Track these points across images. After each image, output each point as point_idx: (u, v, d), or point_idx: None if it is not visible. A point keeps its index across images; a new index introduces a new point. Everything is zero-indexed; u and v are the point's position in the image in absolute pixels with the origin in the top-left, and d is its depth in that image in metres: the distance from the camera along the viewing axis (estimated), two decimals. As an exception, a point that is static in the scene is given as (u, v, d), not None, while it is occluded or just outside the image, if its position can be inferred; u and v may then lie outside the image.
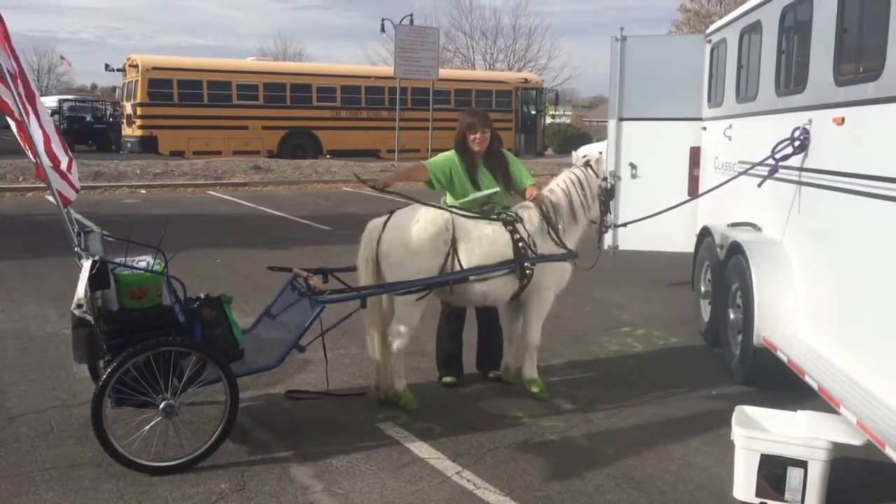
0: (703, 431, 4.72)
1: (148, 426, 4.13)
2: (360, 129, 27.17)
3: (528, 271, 5.00)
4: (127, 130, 25.19)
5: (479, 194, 5.18)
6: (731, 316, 5.77)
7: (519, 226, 5.05)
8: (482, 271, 4.90)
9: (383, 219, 4.95)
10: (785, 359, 4.76)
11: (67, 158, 4.33)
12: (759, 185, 5.37)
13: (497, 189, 5.23)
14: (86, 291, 3.80)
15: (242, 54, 36.87)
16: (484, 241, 4.93)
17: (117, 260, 4.15)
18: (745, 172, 5.84)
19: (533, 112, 30.98)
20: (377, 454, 4.35)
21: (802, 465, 3.73)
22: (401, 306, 4.93)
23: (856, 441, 3.74)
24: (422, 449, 4.42)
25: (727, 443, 4.06)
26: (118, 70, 26.18)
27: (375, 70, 31.52)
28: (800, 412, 4.10)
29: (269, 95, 25.62)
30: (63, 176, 4.28)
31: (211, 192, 18.28)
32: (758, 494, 3.81)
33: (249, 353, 4.46)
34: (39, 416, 4.83)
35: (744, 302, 5.46)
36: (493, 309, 5.54)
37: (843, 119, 4.40)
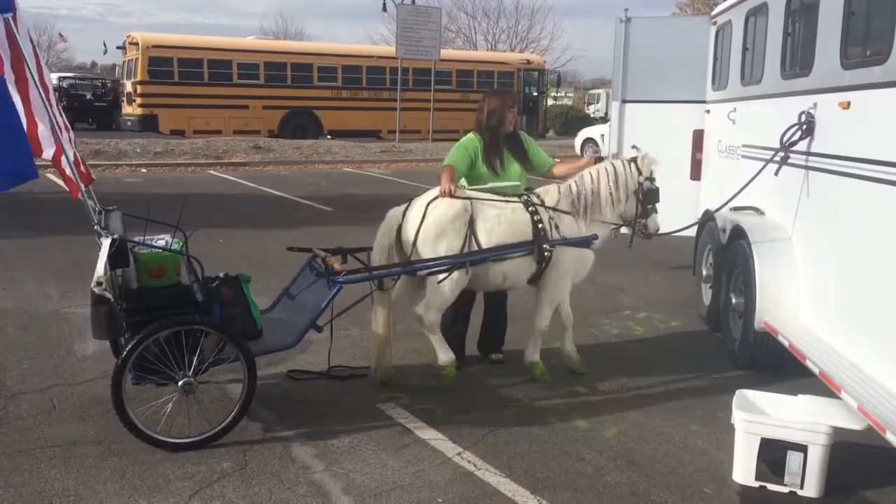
0: (703, 415, 4.73)
1: (168, 404, 4.18)
2: (361, 109, 27.03)
3: (546, 254, 4.99)
4: (127, 109, 25.08)
5: (498, 185, 5.17)
6: (733, 300, 5.77)
7: (540, 208, 5.04)
8: (500, 252, 4.89)
9: (402, 207, 4.97)
10: (786, 343, 4.77)
11: (54, 147, 4.21)
12: (776, 174, 5.26)
13: (518, 183, 5.25)
14: (105, 269, 3.85)
15: (243, 33, 36.71)
16: (503, 222, 4.93)
17: (136, 239, 4.18)
18: (771, 161, 5.48)
19: (535, 93, 30.83)
20: (378, 435, 4.37)
21: (802, 449, 3.75)
22: (431, 288, 4.92)
23: (856, 426, 3.75)
24: (423, 430, 4.44)
25: (727, 426, 4.07)
26: (118, 48, 26.04)
27: (377, 50, 31.34)
28: (800, 396, 4.11)
29: (270, 75, 25.47)
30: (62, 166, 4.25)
31: (211, 172, 18.23)
32: (758, 478, 3.83)
33: (268, 332, 4.50)
34: (41, 394, 4.84)
35: (745, 286, 5.45)
36: (503, 293, 5.54)
37: (849, 103, 4.37)
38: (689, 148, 7.89)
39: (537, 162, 5.44)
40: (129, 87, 24.83)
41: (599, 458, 4.17)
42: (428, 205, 4.87)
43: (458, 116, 28.27)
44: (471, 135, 5.36)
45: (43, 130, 4.12)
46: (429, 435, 4.38)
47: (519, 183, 5.27)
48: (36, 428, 4.36)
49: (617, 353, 5.97)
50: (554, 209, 5.09)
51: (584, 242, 5.11)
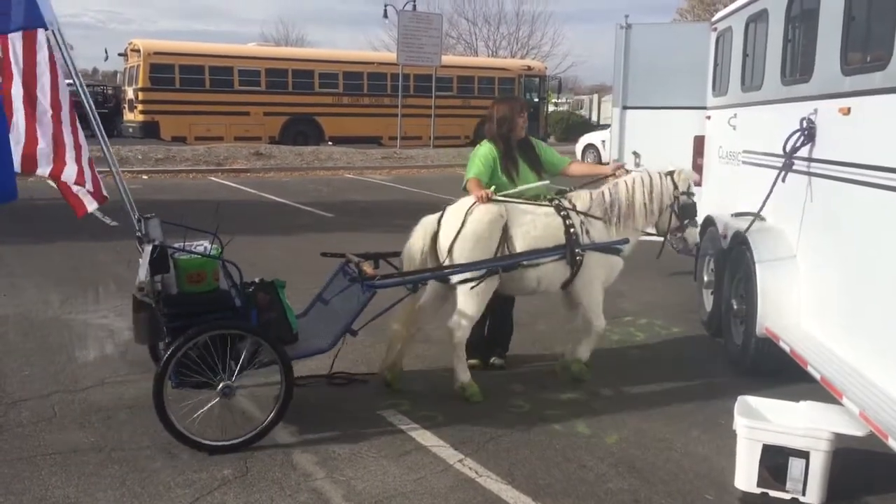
0: (704, 421, 4.72)
1: (205, 407, 4.22)
2: (362, 115, 27.05)
3: (578, 258, 5.00)
4: (128, 115, 25.13)
5: (524, 188, 5.19)
6: (734, 306, 5.76)
7: (571, 212, 5.06)
8: (532, 256, 4.90)
9: (437, 215, 4.98)
10: (787, 349, 4.76)
11: (52, 165, 4.21)
12: (783, 181, 5.23)
13: (545, 182, 5.27)
14: (147, 275, 3.92)
15: (244, 40, 36.65)
16: (536, 227, 4.95)
17: (176, 245, 4.24)
18: (780, 169, 5.33)
19: (536, 99, 30.86)
20: (379, 442, 4.36)
21: (804, 455, 3.73)
22: (462, 298, 4.91)
23: (858, 432, 3.74)
24: (424, 437, 4.43)
25: (729, 433, 4.06)
26: (120, 55, 26.09)
27: (378, 56, 31.37)
28: (802, 402, 4.10)
29: (271, 81, 25.51)
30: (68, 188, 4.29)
31: (212, 178, 18.26)
32: (759, 484, 3.81)
33: (302, 336, 4.55)
34: (42, 401, 4.84)
35: (747, 292, 5.45)
36: (510, 299, 5.55)
37: (849, 109, 4.37)
38: (690, 154, 7.89)
39: (551, 164, 5.49)
40: (130, 93, 24.88)
41: (601, 464, 4.16)
42: (467, 212, 4.84)
43: (459, 123, 28.36)
44: (486, 144, 5.38)
45: (42, 148, 4.16)
46: (430, 441, 4.37)
47: (548, 182, 5.30)
48: (36, 435, 4.36)
49: (618, 359, 5.95)
50: (586, 214, 5.11)
51: (614, 248, 5.14)
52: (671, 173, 5.29)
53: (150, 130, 23.99)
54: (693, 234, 5.37)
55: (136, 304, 4.12)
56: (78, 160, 4.27)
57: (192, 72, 24.33)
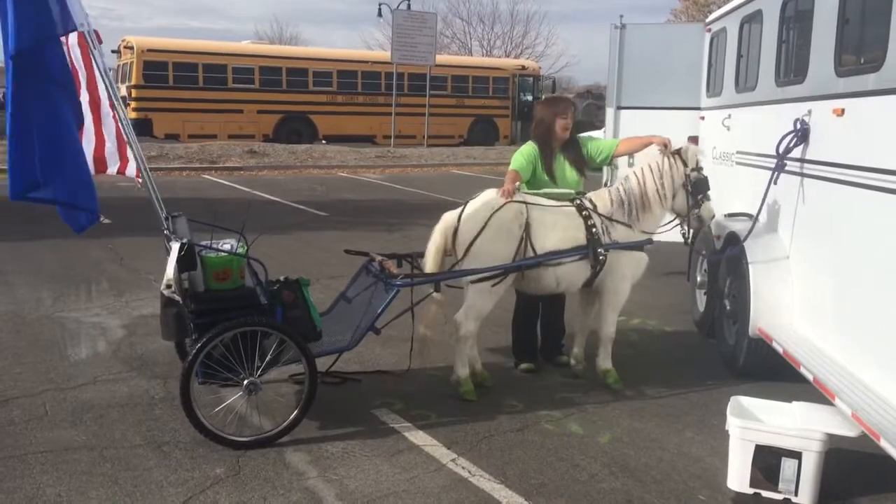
0: (697, 421, 4.73)
1: (228, 403, 4.30)
2: (356, 114, 27.04)
3: (601, 257, 5.00)
4: (121, 113, 25.00)
5: (553, 191, 5.19)
6: (727, 306, 5.77)
7: (593, 212, 5.05)
8: (555, 256, 4.90)
9: (458, 210, 4.96)
10: (780, 350, 4.77)
11: (119, 162, 4.53)
12: (776, 182, 5.23)
13: (571, 190, 5.26)
14: (175, 272, 3.96)
15: (239, 37, 36.67)
16: (557, 227, 4.95)
17: (203, 243, 4.27)
18: (777, 170, 5.23)
19: (530, 99, 30.85)
20: (372, 441, 4.35)
21: (797, 456, 3.74)
22: (474, 294, 4.91)
23: (850, 433, 3.75)
24: (417, 436, 4.43)
25: (722, 433, 4.07)
26: (113, 52, 25.98)
27: (372, 55, 31.36)
28: (795, 403, 4.11)
29: (265, 79, 25.48)
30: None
31: (205, 177, 18.21)
32: (752, 485, 3.82)
33: (326, 334, 4.58)
34: (33, 399, 4.82)
35: (739, 293, 5.46)
36: (561, 297, 5.56)
37: (843, 110, 4.38)
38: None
39: (599, 154, 5.43)
40: (123, 90, 24.76)
41: (594, 464, 4.16)
42: (492, 213, 4.82)
43: (452, 122, 28.36)
44: (529, 143, 5.43)
45: (109, 147, 4.43)
46: (423, 441, 4.37)
47: (572, 190, 5.28)
48: (28, 433, 4.34)
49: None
50: (609, 218, 5.08)
51: (638, 245, 5.13)
52: (678, 151, 5.23)
53: (143, 128, 23.85)
54: (708, 209, 5.28)
55: (165, 300, 4.16)
56: (122, 153, 4.55)
57: (185, 69, 24.28)
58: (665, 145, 5.21)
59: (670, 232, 5.38)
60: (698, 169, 5.25)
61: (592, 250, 4.96)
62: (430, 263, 4.94)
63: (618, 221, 5.08)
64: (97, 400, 4.83)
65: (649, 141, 5.31)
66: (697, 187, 5.22)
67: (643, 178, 5.16)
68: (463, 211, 4.94)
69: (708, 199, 5.29)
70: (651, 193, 5.14)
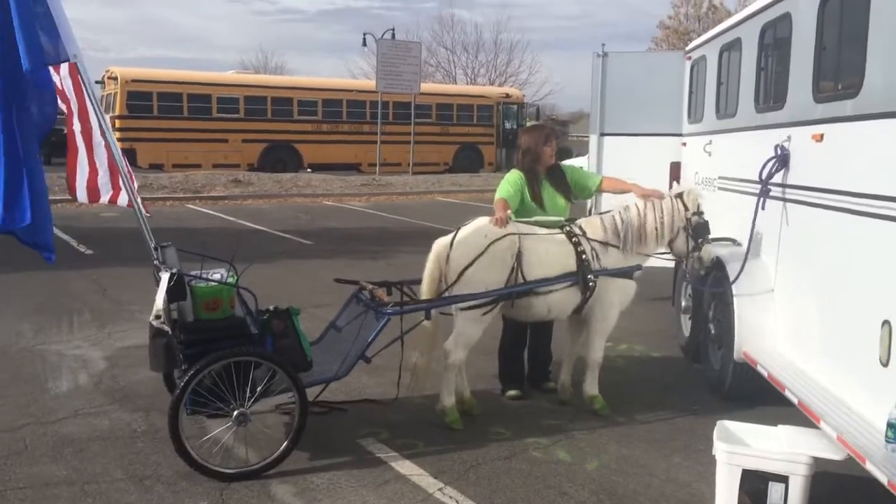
0: (684, 447, 4.72)
1: (215, 434, 4.26)
2: (341, 142, 27.11)
3: (590, 284, 5.01)
4: (106, 143, 24.95)
5: (544, 218, 5.22)
6: (712, 331, 5.79)
7: (583, 238, 5.08)
8: (545, 283, 4.91)
9: (450, 236, 4.97)
10: (765, 373, 4.78)
11: (112, 192, 4.67)
12: (763, 208, 5.27)
13: (561, 217, 5.30)
14: (164, 303, 3.94)
15: (223, 67, 36.82)
16: (548, 254, 4.96)
17: (193, 272, 4.24)
18: (761, 195, 5.26)
19: (514, 127, 31.09)
20: (358, 471, 4.31)
21: (783, 479, 3.73)
22: (463, 322, 4.90)
23: (836, 456, 3.75)
24: (403, 465, 4.39)
25: (709, 458, 4.06)
26: (97, 82, 25.99)
27: (357, 84, 31.55)
28: (780, 427, 4.11)
29: (250, 108, 25.52)
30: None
31: (190, 206, 18.15)
32: (740, 510, 3.80)
33: (316, 363, 4.54)
34: (13, 433, 4.74)
35: (724, 317, 5.47)
36: (548, 324, 5.56)
37: (822, 136, 4.44)
38: (667, 180, 7.96)
39: (583, 187, 5.55)
40: (107, 121, 24.73)
41: (582, 491, 4.13)
42: (491, 242, 4.82)
43: (437, 150, 28.48)
44: (515, 171, 5.46)
45: (102, 176, 4.52)
46: (409, 470, 4.33)
47: (562, 217, 5.32)
48: (7, 469, 4.26)
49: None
50: (601, 242, 5.11)
51: (627, 273, 5.15)
52: (680, 195, 5.30)
53: (127, 158, 23.79)
54: (709, 252, 5.33)
55: (154, 331, 4.12)
56: (114, 182, 4.70)
57: (170, 99, 24.28)
58: (645, 196, 5.26)
59: (660, 256, 5.43)
60: (699, 213, 5.30)
61: (582, 276, 4.98)
62: (425, 292, 4.95)
63: (611, 245, 5.12)
64: (78, 434, 4.76)
65: (629, 189, 5.42)
66: (698, 231, 5.27)
67: (644, 212, 5.21)
68: (455, 237, 4.95)
69: (708, 241, 5.34)
70: (650, 228, 5.19)
